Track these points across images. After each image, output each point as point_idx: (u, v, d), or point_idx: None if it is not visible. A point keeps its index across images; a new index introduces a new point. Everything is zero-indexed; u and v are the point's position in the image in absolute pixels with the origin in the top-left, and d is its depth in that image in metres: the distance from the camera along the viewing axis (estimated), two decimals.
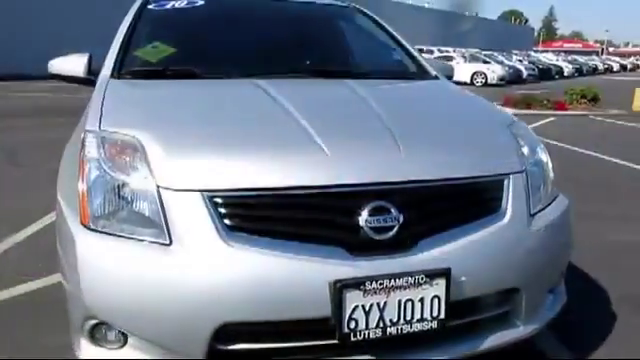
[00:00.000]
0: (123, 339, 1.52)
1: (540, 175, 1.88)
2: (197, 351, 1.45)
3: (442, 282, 1.51)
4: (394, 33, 3.01)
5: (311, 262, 1.45)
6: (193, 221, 1.45)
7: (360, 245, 1.50)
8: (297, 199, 1.50)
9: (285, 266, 1.44)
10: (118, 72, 2.32)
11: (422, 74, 2.71)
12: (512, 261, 1.67)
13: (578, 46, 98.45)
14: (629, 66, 53.48)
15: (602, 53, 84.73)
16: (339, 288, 1.43)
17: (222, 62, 2.52)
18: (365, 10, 3.22)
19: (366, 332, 1.47)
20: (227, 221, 1.45)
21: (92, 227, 1.52)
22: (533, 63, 29.40)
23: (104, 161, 1.58)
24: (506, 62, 26.15)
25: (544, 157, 1.96)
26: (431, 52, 25.54)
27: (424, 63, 2.81)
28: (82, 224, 1.53)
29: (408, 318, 1.50)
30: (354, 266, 1.47)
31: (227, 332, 1.44)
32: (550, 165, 1.98)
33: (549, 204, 1.87)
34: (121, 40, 2.52)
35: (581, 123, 10.36)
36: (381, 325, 1.48)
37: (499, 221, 1.67)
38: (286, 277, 1.44)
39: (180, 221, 1.45)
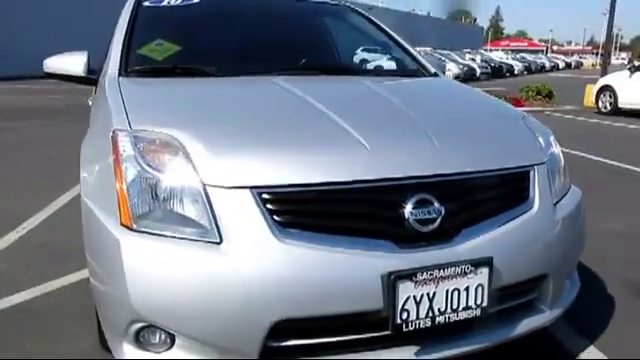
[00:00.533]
0: (170, 341, 1.50)
1: (556, 166, 1.96)
2: (251, 349, 1.44)
3: (485, 271, 1.56)
4: (390, 32, 3.06)
5: (361, 255, 1.47)
6: (244, 218, 1.43)
7: (406, 237, 1.52)
8: (344, 194, 1.52)
9: (337, 260, 1.45)
10: (125, 70, 2.27)
11: (423, 71, 2.76)
12: (542, 249, 1.74)
13: (524, 45, 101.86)
14: (573, 64, 55.87)
15: (547, 52, 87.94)
16: (393, 280, 1.45)
17: (230, 60, 2.50)
18: (358, 9, 3.26)
19: (417, 322, 1.50)
20: (277, 217, 1.45)
21: (135, 228, 1.48)
22: (485, 61, 30.22)
23: (142, 160, 1.54)
24: (460, 60, 26.79)
25: (557, 149, 2.05)
26: None
27: (423, 61, 2.87)
28: (123, 225, 1.49)
29: (455, 307, 1.54)
30: (403, 258, 1.49)
31: (281, 328, 1.44)
32: (562, 156, 2.06)
33: (565, 194, 1.95)
34: (123, 38, 2.46)
35: (539, 119, 10.70)
36: (430, 315, 1.51)
37: (529, 210, 1.74)
38: (338, 271, 1.45)
39: (230, 219, 1.44)
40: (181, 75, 2.28)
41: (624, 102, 11.03)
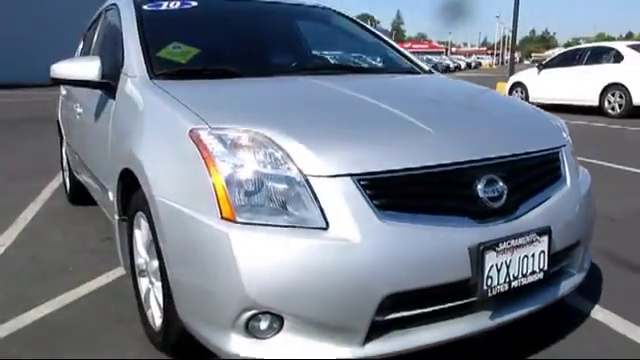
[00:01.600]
0: (279, 325, 1.56)
1: (570, 149, 2.23)
2: (361, 325, 1.55)
3: (545, 238, 1.77)
4: (379, 33, 3.24)
5: (449, 231, 1.63)
6: (347, 204, 1.54)
7: (481, 213, 1.70)
8: (430, 177, 1.66)
9: (430, 236, 1.60)
10: (154, 73, 2.27)
11: (420, 69, 2.97)
12: (575, 219, 1.99)
13: (425, 47, 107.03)
14: (473, 64, 59.60)
15: (447, 53, 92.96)
16: (481, 250, 1.62)
17: (253, 61, 2.57)
18: (341, 12, 3.41)
19: (498, 288, 1.68)
20: (376, 201, 1.57)
21: (239, 220, 1.53)
22: None
23: (235, 156, 1.60)
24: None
25: (567, 132, 2.32)
26: None
27: (415, 59, 3.08)
28: (225, 219, 1.54)
29: (524, 272, 1.74)
30: (483, 231, 1.66)
31: (388, 303, 1.56)
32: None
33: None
34: (139, 42, 2.45)
35: None
36: (507, 280, 1.70)
37: (564, 185, 1.98)
38: (432, 246, 1.60)
39: (334, 205, 1.54)
40: (211, 77, 2.31)
41: (534, 97, 12.02)
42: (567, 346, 2.11)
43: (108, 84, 2.43)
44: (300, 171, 1.56)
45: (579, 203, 2.02)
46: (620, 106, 10.15)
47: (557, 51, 14.71)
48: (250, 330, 1.57)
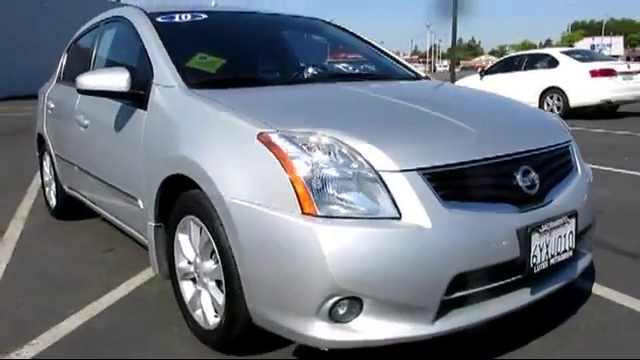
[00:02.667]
0: (358, 308, 1.70)
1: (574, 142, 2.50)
2: (431, 304, 1.72)
3: (573, 220, 2.01)
4: (375, 43, 3.45)
5: (500, 216, 1.83)
6: (417, 195, 1.71)
7: (521, 200, 1.91)
8: (480, 169, 1.86)
9: (485, 221, 1.79)
10: (189, 83, 2.35)
11: (419, 75, 3.19)
12: (588, 203, 2.25)
13: (359, 56, 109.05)
14: None
15: None
16: (529, 232, 1.83)
17: (277, 70, 2.68)
18: (333, 22, 3.60)
19: (540, 265, 1.90)
20: (440, 192, 1.75)
21: (320, 214, 1.67)
22: None
23: (310, 156, 1.73)
24: None
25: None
26: None
27: (410, 66, 3.30)
28: (306, 214, 1.67)
29: (559, 251, 1.97)
30: (526, 216, 1.88)
31: (454, 283, 1.74)
32: None
33: None
34: (166, 52, 2.52)
35: None
36: (547, 258, 1.92)
37: (577, 174, 2.24)
38: (488, 230, 1.79)
39: (405, 197, 1.70)
40: (245, 85, 2.43)
41: None
42: (581, 318, 2.37)
43: (137, 94, 2.47)
44: (372, 167, 1.72)
45: (588, 190, 2.28)
46: (558, 108, 10.90)
47: (484, 58, 15.53)
48: (333, 315, 1.70)
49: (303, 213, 1.68)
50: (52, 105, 3.95)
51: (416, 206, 1.70)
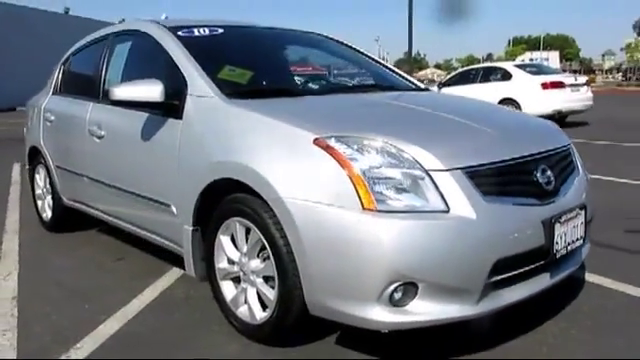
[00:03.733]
0: (414, 293, 1.89)
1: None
2: (476, 286, 1.93)
3: (583, 212, 2.29)
4: (375, 57, 3.69)
5: (527, 209, 2.08)
6: (462, 190, 1.92)
7: (541, 194, 2.16)
8: (509, 167, 2.10)
9: (517, 213, 2.03)
10: (225, 93, 2.50)
11: (420, 86, 3.44)
12: (589, 198, 2.53)
13: (309, 69, 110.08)
14: None
15: (330, 74, 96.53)
16: (553, 222, 2.08)
17: (301, 82, 2.87)
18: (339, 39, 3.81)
19: (560, 251, 2.15)
20: (480, 188, 1.97)
21: (380, 209, 1.86)
22: None
23: (366, 157, 1.92)
24: None
25: None
26: None
27: (411, 78, 3.56)
28: (367, 209, 1.86)
29: (573, 239, 2.23)
30: (546, 208, 2.13)
31: (495, 268, 1.96)
32: None
33: None
34: (195, 64, 2.66)
35: None
36: (564, 245, 2.18)
37: (578, 173, 2.52)
38: (520, 221, 2.03)
39: (451, 192, 1.91)
40: (278, 95, 2.59)
41: None
42: (582, 302, 2.65)
43: (171, 104, 2.59)
44: (422, 167, 1.93)
45: (587, 187, 2.57)
46: None
47: (429, 71, 16.19)
48: (392, 300, 1.88)
49: (364, 209, 1.86)
50: (52, 117, 3.97)
51: (461, 200, 1.92)
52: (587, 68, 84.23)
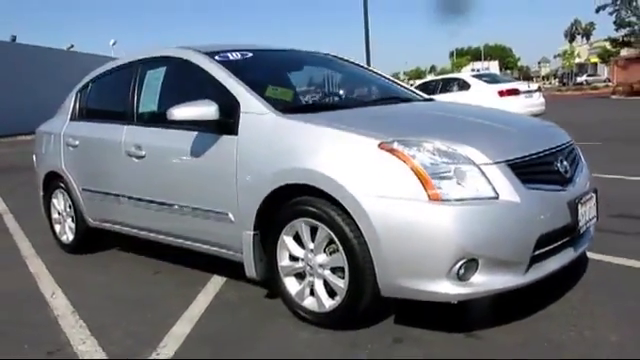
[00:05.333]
0: (475, 267, 2.24)
1: None
2: (524, 259, 2.30)
3: (594, 195, 2.72)
4: (383, 73, 4.07)
5: (555, 193, 2.48)
6: (507, 180, 2.30)
7: (562, 181, 2.57)
8: (538, 159, 2.50)
9: (549, 197, 2.43)
10: (278, 109, 2.81)
11: (425, 97, 3.84)
12: (594, 184, 2.97)
13: None
14: None
15: None
16: (576, 203, 2.49)
17: (338, 96, 3.20)
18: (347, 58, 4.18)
19: (582, 228, 2.57)
20: (519, 177, 2.36)
21: (444, 199, 2.21)
22: None
23: (428, 156, 2.28)
24: None
25: None
26: None
27: (412, 89, 3.96)
28: (432, 199, 2.21)
29: (589, 218, 2.65)
30: (569, 192, 2.54)
31: (538, 242, 2.34)
32: None
33: None
34: (244, 85, 2.95)
35: None
36: (585, 222, 2.59)
37: (583, 164, 2.95)
38: (552, 203, 2.43)
39: (499, 181, 2.28)
40: (325, 109, 2.92)
41: None
42: (591, 274, 3.07)
43: (226, 122, 2.87)
44: (473, 162, 2.29)
45: (590, 175, 3.02)
46: None
47: None
48: (459, 275, 2.23)
49: (430, 199, 2.21)
50: (75, 142, 4.12)
51: (507, 188, 2.29)
52: (525, 75, 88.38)
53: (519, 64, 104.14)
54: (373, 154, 2.34)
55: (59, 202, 4.47)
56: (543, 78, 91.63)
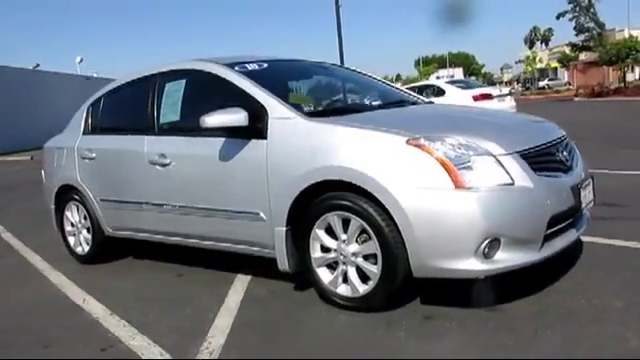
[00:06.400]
0: (497, 246, 2.52)
1: None
2: (539, 237, 2.60)
3: (591, 181, 3.05)
4: (385, 80, 4.38)
5: (560, 179, 2.79)
6: (520, 168, 2.60)
7: (564, 169, 2.89)
8: (544, 149, 2.81)
9: (557, 182, 2.75)
10: (304, 114, 3.06)
11: (425, 100, 4.15)
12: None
13: None
14: None
15: None
16: (579, 188, 2.82)
17: (354, 101, 3.48)
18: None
19: (584, 210, 2.89)
20: (531, 165, 2.66)
21: (467, 187, 2.49)
22: None
23: (453, 150, 2.56)
24: None
25: None
26: None
27: (414, 93, 4.26)
28: (459, 188, 2.48)
29: (589, 201, 2.98)
30: (571, 178, 2.86)
31: (550, 222, 2.64)
32: None
33: None
34: (269, 92, 3.20)
35: None
36: (586, 205, 2.92)
37: (577, 154, 3.29)
38: (558, 187, 2.74)
39: (514, 169, 2.58)
40: (345, 113, 3.18)
41: None
42: (589, 255, 3.39)
43: (255, 127, 3.10)
44: (491, 153, 2.59)
45: (585, 164, 3.35)
46: None
47: None
48: (484, 253, 2.50)
49: (456, 187, 2.49)
50: (91, 155, 4.27)
51: (521, 175, 2.59)
52: (489, 81, 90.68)
53: (484, 70, 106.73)
54: (402, 150, 2.62)
55: (73, 214, 4.59)
56: (506, 83, 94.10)
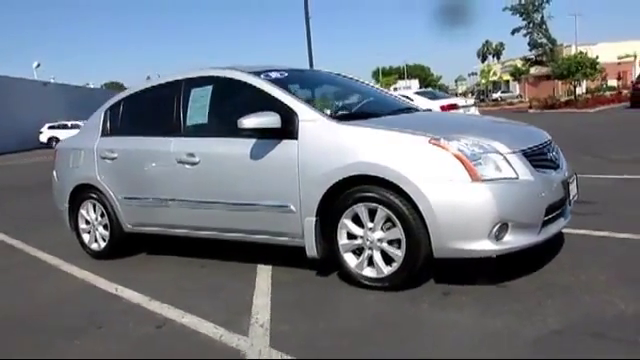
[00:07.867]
0: (506, 229, 2.99)
1: None
2: (539, 221, 3.08)
3: (575, 178, 3.58)
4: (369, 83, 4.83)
5: (553, 176, 3.30)
6: (523, 164, 3.09)
7: (555, 167, 3.40)
8: (540, 149, 3.32)
9: (550, 177, 3.26)
10: (332, 117, 3.48)
11: (424, 109, 4.63)
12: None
13: None
14: None
15: None
16: (567, 182, 3.34)
17: (371, 106, 3.92)
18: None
19: (571, 201, 3.41)
20: (531, 163, 3.15)
21: (483, 179, 2.96)
22: None
23: (469, 149, 3.02)
24: None
25: None
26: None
27: (408, 100, 4.74)
28: (475, 180, 2.95)
29: (574, 194, 3.50)
30: (560, 175, 3.37)
31: (547, 209, 3.13)
32: None
33: None
34: (297, 98, 3.60)
35: None
36: (572, 197, 3.44)
37: (561, 155, 3.82)
38: (553, 181, 3.25)
39: (518, 166, 3.07)
40: (365, 117, 3.61)
41: None
42: (574, 245, 3.91)
43: (287, 129, 3.48)
44: (499, 152, 3.07)
45: (568, 163, 3.89)
46: None
47: None
48: (495, 235, 2.97)
49: (473, 180, 2.95)
50: (113, 155, 4.53)
51: (524, 170, 3.08)
52: (445, 93, 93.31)
53: (440, 82, 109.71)
54: (425, 148, 3.06)
55: (89, 212, 4.82)
56: (461, 95, 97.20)
